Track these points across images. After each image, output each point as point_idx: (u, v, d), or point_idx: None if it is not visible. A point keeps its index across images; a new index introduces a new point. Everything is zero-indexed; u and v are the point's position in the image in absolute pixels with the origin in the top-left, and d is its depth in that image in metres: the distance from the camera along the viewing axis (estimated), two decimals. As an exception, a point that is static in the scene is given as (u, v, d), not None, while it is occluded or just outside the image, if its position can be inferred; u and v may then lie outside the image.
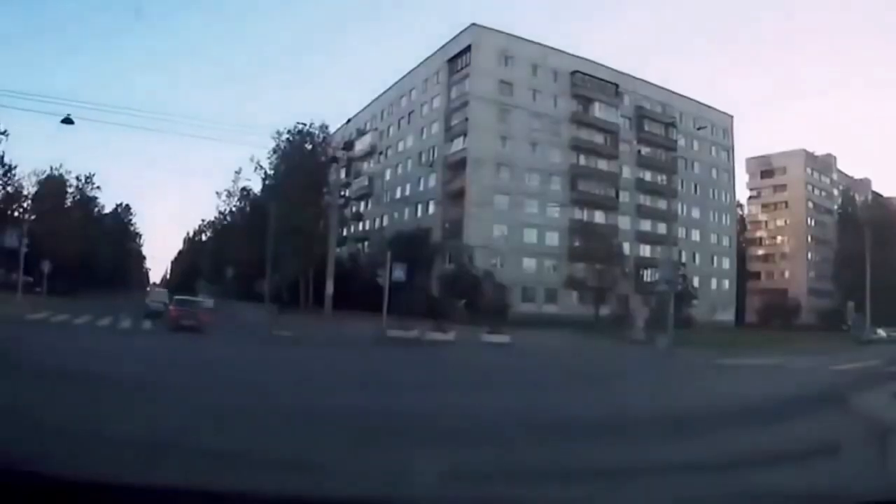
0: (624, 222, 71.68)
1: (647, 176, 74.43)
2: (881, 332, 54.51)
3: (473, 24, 66.67)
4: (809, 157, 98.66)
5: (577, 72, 69.93)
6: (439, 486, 4.35)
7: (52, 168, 75.79)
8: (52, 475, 2.60)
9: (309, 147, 62.83)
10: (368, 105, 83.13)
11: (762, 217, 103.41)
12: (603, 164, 71.04)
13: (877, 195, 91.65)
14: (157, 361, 17.60)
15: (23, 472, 2.58)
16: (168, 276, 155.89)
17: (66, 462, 3.34)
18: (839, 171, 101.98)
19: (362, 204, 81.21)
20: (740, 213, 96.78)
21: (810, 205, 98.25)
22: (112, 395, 10.01)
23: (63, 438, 5.67)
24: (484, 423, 9.69)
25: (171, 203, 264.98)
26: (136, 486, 2.64)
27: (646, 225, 73.79)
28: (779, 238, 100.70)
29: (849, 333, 55.97)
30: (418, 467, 6.09)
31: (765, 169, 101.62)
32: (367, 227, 79.95)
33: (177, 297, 41.25)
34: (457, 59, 67.69)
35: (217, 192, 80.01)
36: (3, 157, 64.76)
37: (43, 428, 6.09)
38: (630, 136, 73.88)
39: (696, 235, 77.62)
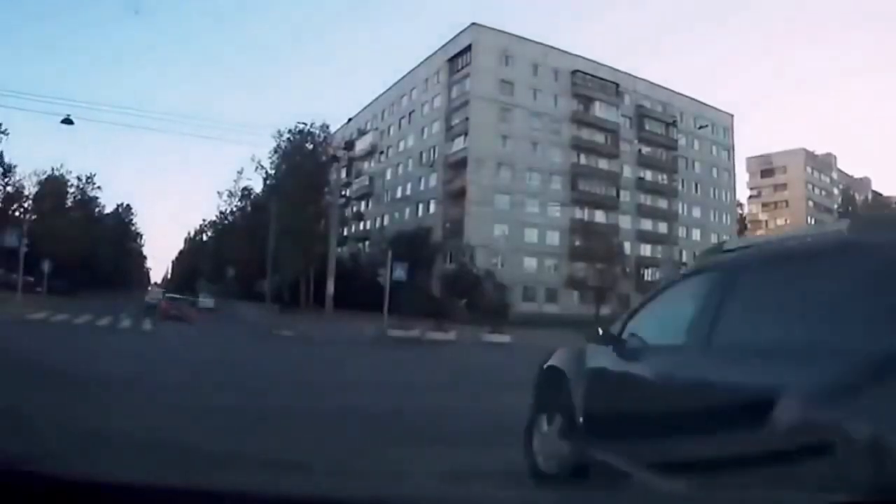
0: (625, 221, 71.84)
1: (648, 175, 74.60)
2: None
3: (474, 24, 66.85)
4: (809, 157, 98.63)
5: (578, 71, 70.06)
6: (439, 486, 4.14)
7: (52, 168, 76.09)
8: (52, 475, 2.51)
9: (310, 147, 63.00)
10: (369, 105, 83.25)
11: (762, 216, 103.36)
12: (603, 164, 71.19)
13: (877, 194, 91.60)
14: (157, 361, 17.55)
15: (23, 472, 2.48)
16: (169, 276, 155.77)
17: (65, 462, 3.32)
18: (839, 171, 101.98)
19: (363, 203, 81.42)
20: (740, 212, 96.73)
21: (810, 204, 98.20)
22: (111, 394, 10.01)
23: (62, 438, 5.63)
24: (485, 422, 9.71)
25: (171, 203, 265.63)
26: (136, 485, 2.56)
27: (646, 224, 73.95)
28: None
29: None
30: (419, 467, 6.02)
31: (765, 168, 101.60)
32: (368, 227, 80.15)
33: (168, 294, 56.46)
34: (457, 59, 67.87)
35: (218, 192, 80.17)
36: (2, 156, 64.91)
37: (42, 427, 6.08)
38: (631, 135, 73.98)
39: (696, 235, 77.50)
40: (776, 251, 4.85)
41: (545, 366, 6.38)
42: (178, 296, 55.28)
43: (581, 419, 5.35)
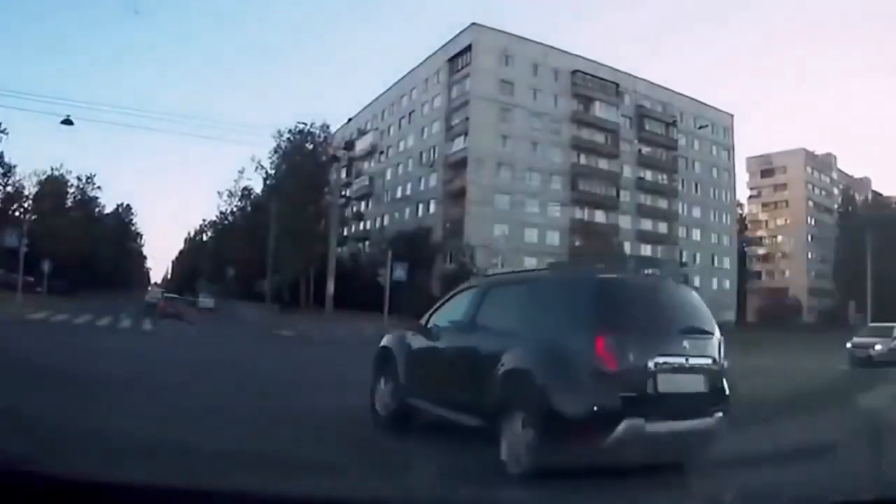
0: (625, 221, 72.09)
1: (648, 175, 74.88)
2: (882, 332, 54.31)
3: (474, 24, 66.99)
4: (809, 156, 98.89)
5: (578, 71, 70.24)
6: (439, 485, 4.32)
7: (52, 168, 76.27)
8: (52, 475, 2.59)
9: (310, 147, 63.18)
10: (369, 105, 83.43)
11: (762, 216, 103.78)
12: (603, 164, 71.40)
13: (877, 194, 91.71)
14: (156, 362, 17.50)
15: (23, 472, 2.56)
16: (169, 276, 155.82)
17: (65, 462, 3.34)
18: (839, 170, 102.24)
19: (363, 203, 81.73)
20: (740, 212, 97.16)
21: (810, 204, 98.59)
22: (111, 394, 10.06)
23: (62, 438, 5.71)
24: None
25: (172, 203, 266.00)
26: (136, 486, 2.63)
27: (646, 224, 74.23)
28: (779, 237, 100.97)
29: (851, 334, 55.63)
30: (418, 467, 6.05)
31: (765, 168, 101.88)
32: (368, 227, 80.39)
33: (165, 294, 59.89)
34: (457, 59, 68.01)
35: (218, 192, 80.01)
36: (2, 156, 64.99)
37: (42, 427, 6.15)
38: (631, 135, 74.16)
39: (696, 235, 77.96)
40: (508, 278, 8.97)
41: (380, 346, 9.70)
42: (175, 295, 61.32)
43: (401, 379, 8.75)
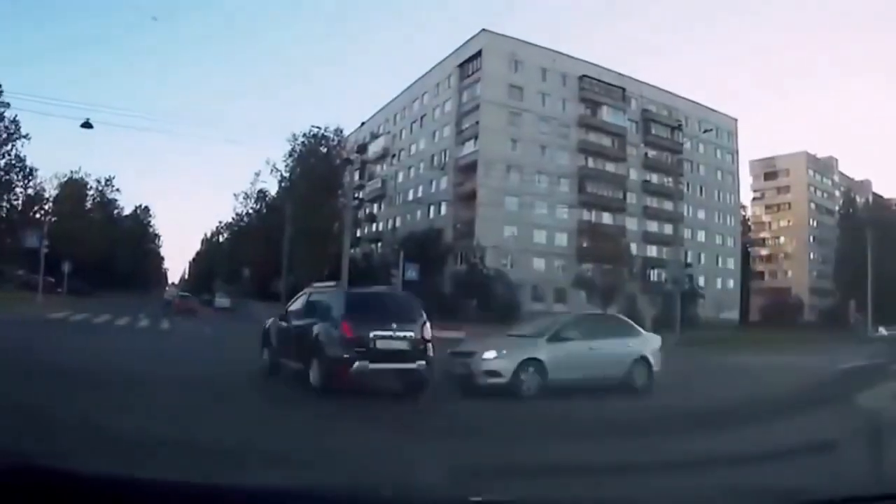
0: (631, 223, 72.46)
1: (654, 178, 75.40)
2: (882, 331, 55.05)
3: (484, 30, 67.74)
4: (811, 160, 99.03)
5: (585, 76, 70.87)
6: (440, 482, 4.29)
7: (72, 171, 76.93)
8: (53, 471, 2.63)
9: (324, 150, 63.58)
10: (382, 109, 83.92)
11: (765, 218, 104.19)
12: (610, 167, 71.99)
13: (877, 196, 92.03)
14: (170, 361, 17.63)
15: (24, 469, 2.57)
16: (186, 277, 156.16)
17: (70, 458, 3.40)
18: (840, 173, 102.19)
19: (376, 205, 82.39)
20: (744, 214, 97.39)
21: (812, 206, 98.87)
22: (126, 392, 10.33)
23: (74, 435, 6.00)
24: (488, 419, 11.03)
25: (189, 204, 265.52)
26: (138, 481, 2.67)
27: (652, 226, 74.73)
28: (782, 238, 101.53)
29: (851, 332, 56.22)
30: (421, 463, 6.16)
31: (768, 171, 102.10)
32: (381, 228, 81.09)
33: (180, 293, 67.73)
34: (468, 64, 68.65)
35: (234, 194, 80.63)
36: (24, 159, 65.79)
37: (57, 425, 6.49)
38: (637, 139, 74.69)
39: (701, 236, 78.47)
40: (320, 290, 15.50)
41: (263, 327, 16.21)
42: (189, 294, 65.70)
43: (273, 346, 15.20)
